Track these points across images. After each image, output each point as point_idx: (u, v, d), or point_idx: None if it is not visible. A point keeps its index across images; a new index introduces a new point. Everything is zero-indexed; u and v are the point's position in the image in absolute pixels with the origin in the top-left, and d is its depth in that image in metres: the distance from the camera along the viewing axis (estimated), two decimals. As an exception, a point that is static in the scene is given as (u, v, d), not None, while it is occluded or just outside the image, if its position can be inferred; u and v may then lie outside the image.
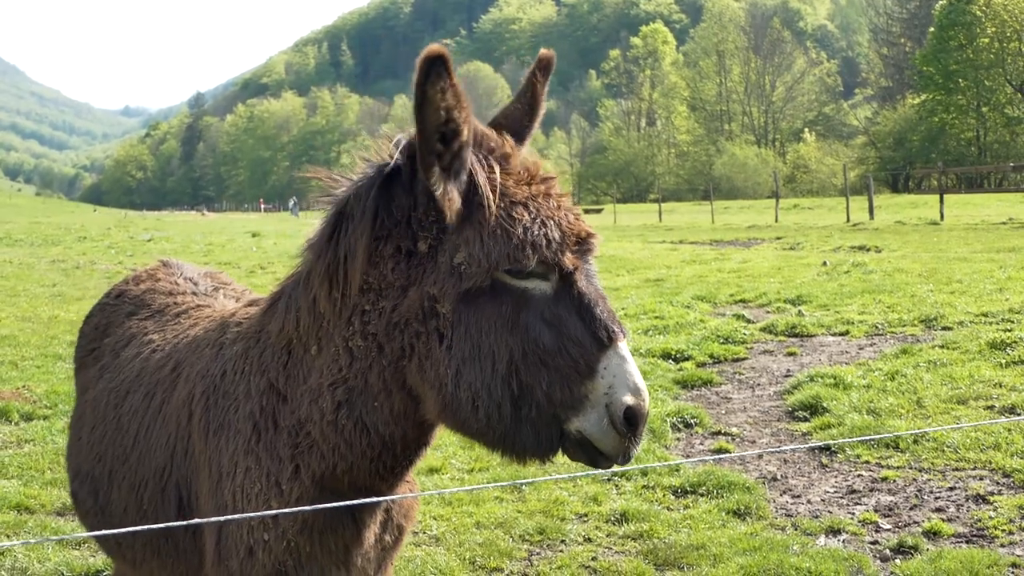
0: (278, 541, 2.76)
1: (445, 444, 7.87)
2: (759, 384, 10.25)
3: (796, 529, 6.26)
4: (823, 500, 6.81)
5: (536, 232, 2.47)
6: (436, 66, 2.41)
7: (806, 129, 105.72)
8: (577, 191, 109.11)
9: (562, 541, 6.21)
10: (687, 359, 11.46)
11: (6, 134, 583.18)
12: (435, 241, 2.54)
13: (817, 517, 6.46)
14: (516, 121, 2.83)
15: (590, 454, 2.52)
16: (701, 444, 8.22)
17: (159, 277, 4.05)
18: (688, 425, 8.66)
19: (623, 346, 2.51)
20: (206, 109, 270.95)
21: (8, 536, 6.31)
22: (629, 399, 2.45)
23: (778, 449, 3.17)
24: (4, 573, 5.77)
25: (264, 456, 2.80)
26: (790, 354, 11.61)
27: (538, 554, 6.04)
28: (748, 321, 13.89)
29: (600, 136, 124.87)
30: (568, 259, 2.51)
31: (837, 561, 5.62)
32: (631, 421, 2.45)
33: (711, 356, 11.62)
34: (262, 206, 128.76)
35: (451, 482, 7.27)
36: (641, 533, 6.24)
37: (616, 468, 2.58)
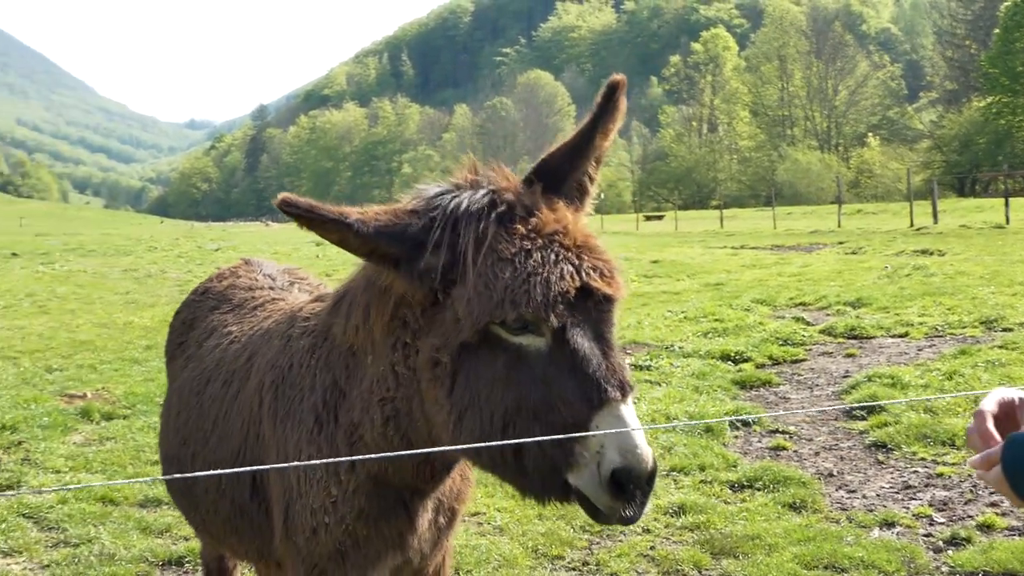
0: (337, 525, 2.96)
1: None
2: (817, 384, 10.35)
3: (850, 522, 6.38)
4: (878, 495, 6.93)
5: (516, 289, 2.43)
6: None
7: (870, 133, 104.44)
8: (638, 198, 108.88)
9: (621, 532, 6.39)
10: (746, 360, 11.59)
11: (75, 148, 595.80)
12: (444, 295, 2.58)
13: (871, 511, 6.58)
14: (559, 160, 2.75)
15: (590, 509, 2.48)
16: (759, 442, 8.36)
17: (240, 274, 4.32)
18: (746, 424, 8.81)
19: (621, 406, 2.41)
20: (269, 121, 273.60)
21: (94, 526, 6.66)
22: (617, 460, 2.36)
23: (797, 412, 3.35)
24: (93, 559, 6.09)
25: (325, 447, 2.97)
26: (849, 355, 11.69)
27: (598, 543, 6.24)
28: (807, 324, 13.99)
29: (661, 143, 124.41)
30: (556, 315, 2.43)
31: (890, 551, 5.75)
32: (619, 483, 2.37)
33: (770, 358, 11.73)
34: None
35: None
36: (698, 524, 6.42)
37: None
